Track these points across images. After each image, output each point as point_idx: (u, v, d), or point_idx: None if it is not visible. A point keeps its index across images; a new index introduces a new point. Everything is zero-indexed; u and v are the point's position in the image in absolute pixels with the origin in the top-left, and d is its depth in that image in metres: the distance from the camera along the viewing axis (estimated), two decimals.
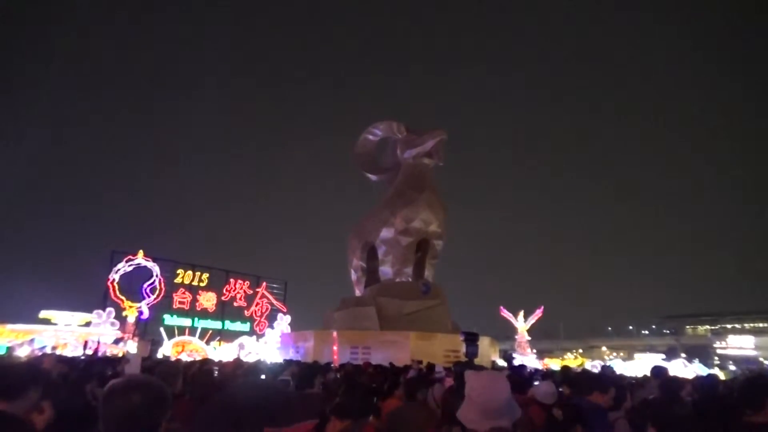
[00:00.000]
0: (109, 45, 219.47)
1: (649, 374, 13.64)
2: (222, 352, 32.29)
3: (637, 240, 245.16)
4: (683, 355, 53.34)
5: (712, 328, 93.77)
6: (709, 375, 11.37)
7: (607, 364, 30.01)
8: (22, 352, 22.85)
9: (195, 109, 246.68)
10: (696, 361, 39.82)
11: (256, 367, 10.84)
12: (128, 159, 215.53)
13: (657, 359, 38.37)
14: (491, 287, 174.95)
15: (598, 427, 4.41)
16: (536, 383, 6.75)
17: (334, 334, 24.51)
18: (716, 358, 73.91)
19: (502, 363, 24.08)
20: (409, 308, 27.82)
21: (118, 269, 35.41)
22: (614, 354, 72.09)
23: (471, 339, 12.69)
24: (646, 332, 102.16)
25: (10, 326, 28.43)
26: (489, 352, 27.25)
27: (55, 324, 31.01)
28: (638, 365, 31.39)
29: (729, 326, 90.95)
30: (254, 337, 40.65)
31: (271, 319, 44.17)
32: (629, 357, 56.74)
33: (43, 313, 31.25)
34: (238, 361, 14.41)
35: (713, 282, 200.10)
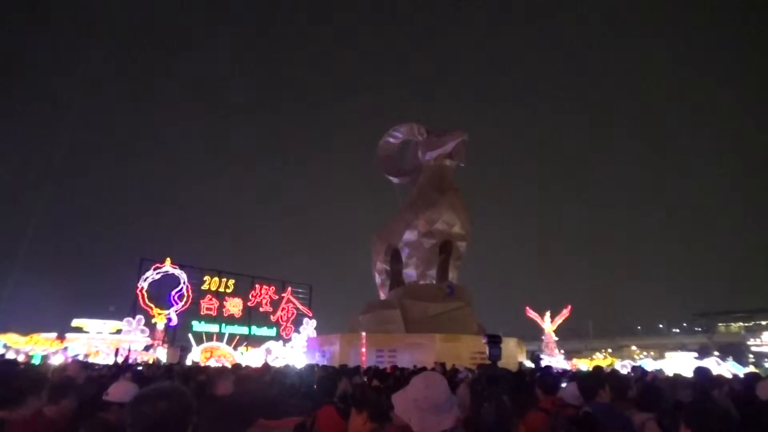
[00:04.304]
0: (140, 56, 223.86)
1: (680, 373, 13.42)
2: (249, 358, 32.60)
3: (666, 238, 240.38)
4: (716, 353, 52.03)
5: (746, 325, 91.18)
6: (747, 374, 11.12)
7: (638, 363, 29.46)
8: (56, 361, 23.43)
9: (221, 120, 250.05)
10: (730, 359, 38.82)
11: (284, 372, 10.97)
12: (154, 168, 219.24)
13: (689, 358, 37.52)
14: (519, 287, 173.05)
15: (612, 426, 4.29)
16: (563, 385, 6.68)
17: (363, 336, 24.52)
18: (751, 355, 72.01)
19: (529, 364, 23.83)
20: (433, 310, 27.61)
21: (147, 277, 36.01)
22: (645, 353, 70.69)
23: (494, 341, 12.60)
24: (677, 330, 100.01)
25: (44, 335, 29.15)
26: (516, 354, 26.96)
27: (87, 332, 31.67)
28: (669, 364, 30.70)
29: (763, 323, 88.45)
30: (281, 341, 40.92)
31: (297, 323, 44.47)
32: (660, 356, 55.57)
33: (75, 322, 31.92)
34: (266, 367, 14.54)
35: (745, 278, 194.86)
